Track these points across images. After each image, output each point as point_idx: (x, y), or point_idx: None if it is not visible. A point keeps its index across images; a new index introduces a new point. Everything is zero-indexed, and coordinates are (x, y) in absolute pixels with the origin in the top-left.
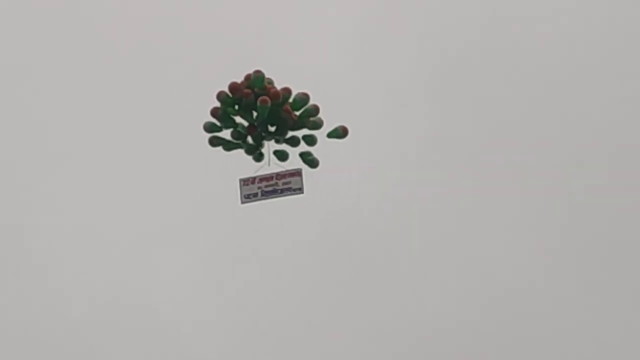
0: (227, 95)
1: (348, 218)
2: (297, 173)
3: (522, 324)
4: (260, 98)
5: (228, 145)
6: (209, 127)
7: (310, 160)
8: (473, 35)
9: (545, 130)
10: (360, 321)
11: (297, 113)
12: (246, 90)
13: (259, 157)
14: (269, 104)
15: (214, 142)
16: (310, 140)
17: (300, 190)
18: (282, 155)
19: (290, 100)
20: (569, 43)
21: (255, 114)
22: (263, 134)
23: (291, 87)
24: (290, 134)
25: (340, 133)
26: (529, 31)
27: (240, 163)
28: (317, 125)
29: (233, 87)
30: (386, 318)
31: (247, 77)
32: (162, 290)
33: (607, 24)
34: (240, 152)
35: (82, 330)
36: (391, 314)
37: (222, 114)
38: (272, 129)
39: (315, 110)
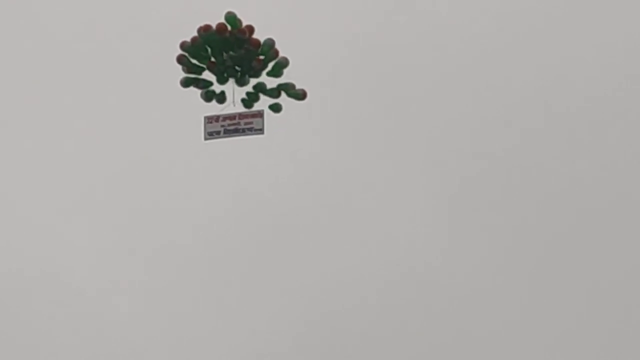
0: (213, 33)
1: (267, 187)
2: (259, 114)
3: (438, 299)
4: (217, 25)
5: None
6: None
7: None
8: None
9: (467, 112)
10: (278, 295)
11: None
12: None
13: (211, 96)
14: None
15: (183, 60)
16: (273, 94)
17: (261, 130)
18: (246, 103)
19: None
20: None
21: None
22: (226, 75)
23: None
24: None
25: (300, 95)
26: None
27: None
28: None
29: (221, 27)
30: (301, 288)
31: None
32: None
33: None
34: None
35: None
36: (306, 285)
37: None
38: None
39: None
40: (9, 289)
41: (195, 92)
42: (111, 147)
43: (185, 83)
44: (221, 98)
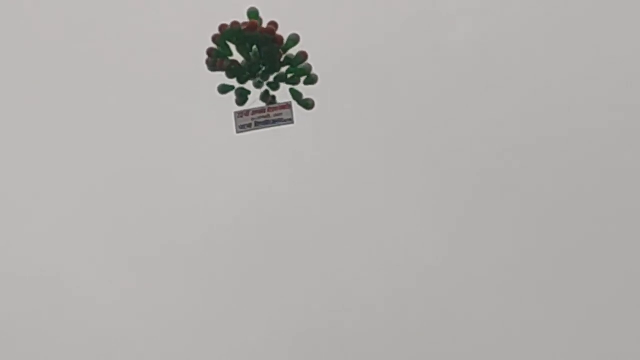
0: (239, 29)
1: (267, 193)
2: (288, 105)
3: (439, 301)
4: (250, 23)
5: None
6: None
7: (305, 103)
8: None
9: (461, 114)
10: (278, 295)
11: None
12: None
13: (245, 95)
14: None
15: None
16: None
17: (290, 120)
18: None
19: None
20: (487, 40)
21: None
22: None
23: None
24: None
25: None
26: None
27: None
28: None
29: (252, 25)
30: (304, 293)
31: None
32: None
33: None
34: None
35: None
36: (308, 289)
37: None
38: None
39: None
40: (9, 289)
41: (189, 94)
42: (110, 149)
43: (213, 65)
44: (269, 98)
